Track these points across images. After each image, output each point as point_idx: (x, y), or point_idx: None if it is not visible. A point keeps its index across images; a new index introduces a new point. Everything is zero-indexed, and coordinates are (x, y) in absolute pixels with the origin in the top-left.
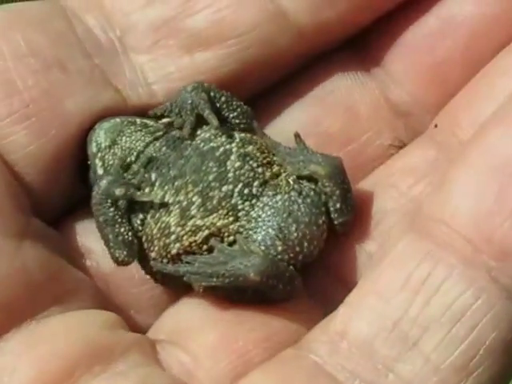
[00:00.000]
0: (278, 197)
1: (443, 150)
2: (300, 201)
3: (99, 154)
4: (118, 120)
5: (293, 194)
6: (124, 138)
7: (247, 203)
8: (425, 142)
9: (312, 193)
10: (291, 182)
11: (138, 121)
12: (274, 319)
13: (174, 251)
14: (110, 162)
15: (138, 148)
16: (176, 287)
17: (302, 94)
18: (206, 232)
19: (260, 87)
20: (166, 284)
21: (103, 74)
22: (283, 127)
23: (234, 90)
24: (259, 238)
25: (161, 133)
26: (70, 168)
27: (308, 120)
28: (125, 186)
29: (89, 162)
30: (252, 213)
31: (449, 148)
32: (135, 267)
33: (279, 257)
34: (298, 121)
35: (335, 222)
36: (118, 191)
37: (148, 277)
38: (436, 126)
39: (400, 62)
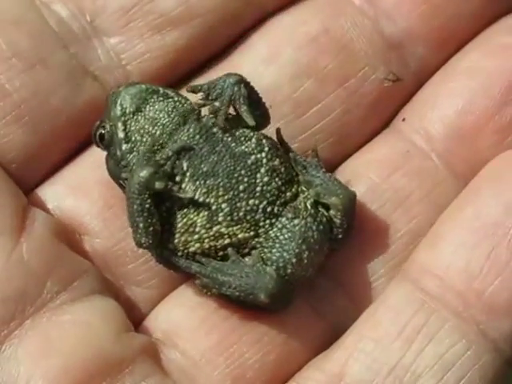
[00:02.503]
0: (296, 221)
1: (412, 142)
2: (314, 228)
3: (123, 118)
4: (143, 86)
5: (309, 219)
6: (148, 106)
7: (268, 221)
8: (394, 134)
9: (324, 219)
10: (309, 207)
11: (161, 90)
12: (266, 320)
13: (192, 249)
14: (132, 128)
15: (163, 121)
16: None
17: (296, 36)
18: (227, 241)
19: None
20: (167, 267)
21: (81, 62)
22: (282, 68)
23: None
24: (273, 258)
25: (187, 112)
26: (58, 154)
27: (305, 60)
28: (164, 180)
29: (104, 123)
30: (271, 232)
31: (417, 140)
32: (127, 245)
33: (286, 277)
34: (295, 62)
35: (330, 245)
36: (158, 185)
37: (141, 251)
38: (404, 119)
39: None
